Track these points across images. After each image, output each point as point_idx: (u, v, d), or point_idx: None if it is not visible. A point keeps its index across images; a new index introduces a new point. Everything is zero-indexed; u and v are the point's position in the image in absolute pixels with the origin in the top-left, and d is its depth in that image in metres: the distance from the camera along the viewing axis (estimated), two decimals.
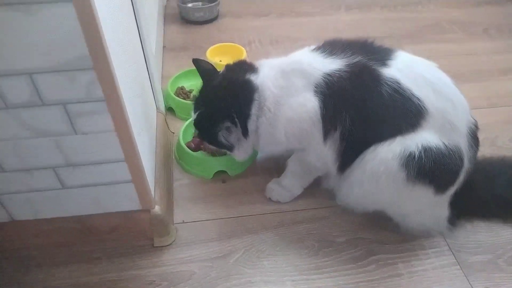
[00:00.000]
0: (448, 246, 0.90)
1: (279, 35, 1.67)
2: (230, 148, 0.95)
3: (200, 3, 1.77)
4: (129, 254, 0.88)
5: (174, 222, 0.95)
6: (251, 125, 0.89)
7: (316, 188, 1.01)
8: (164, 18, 1.77)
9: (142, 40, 1.00)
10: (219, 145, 0.95)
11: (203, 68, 0.95)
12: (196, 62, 0.95)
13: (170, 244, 0.90)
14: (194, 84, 1.32)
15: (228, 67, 0.94)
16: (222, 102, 0.89)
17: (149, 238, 0.90)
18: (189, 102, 1.23)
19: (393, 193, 0.82)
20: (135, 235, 0.89)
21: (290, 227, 0.94)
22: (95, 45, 0.59)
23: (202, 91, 0.96)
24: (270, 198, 1.00)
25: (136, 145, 0.75)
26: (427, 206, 0.86)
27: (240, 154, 0.96)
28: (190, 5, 1.75)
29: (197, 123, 0.96)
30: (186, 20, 1.73)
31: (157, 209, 0.87)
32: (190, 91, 1.30)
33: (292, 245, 0.91)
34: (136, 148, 0.75)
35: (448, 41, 1.65)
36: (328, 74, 0.82)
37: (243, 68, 0.92)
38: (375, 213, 0.94)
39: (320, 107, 0.82)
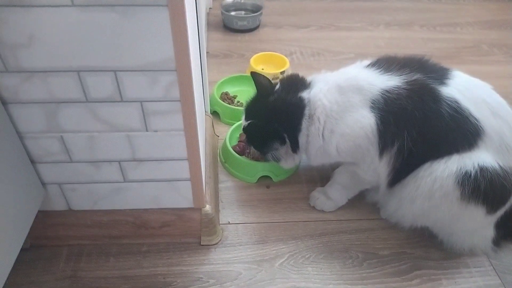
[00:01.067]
0: (493, 266, 0.90)
1: (319, 48, 1.70)
2: (277, 161, 0.98)
3: (243, 12, 1.82)
4: (178, 251, 0.91)
5: (220, 223, 0.98)
6: (301, 139, 0.92)
7: (360, 201, 1.02)
8: (207, 25, 1.82)
9: (200, 44, 1.03)
10: (266, 159, 1.00)
11: (259, 82, 0.98)
12: (253, 75, 0.99)
13: (217, 243, 0.93)
14: (238, 90, 1.35)
15: (282, 83, 0.96)
16: (274, 122, 0.92)
17: (197, 236, 0.93)
18: (234, 108, 1.26)
19: (445, 211, 0.83)
20: (184, 233, 0.92)
21: (334, 236, 0.96)
22: (181, 48, 0.62)
23: (255, 101, 0.99)
24: (314, 207, 1.02)
25: (199, 145, 0.78)
26: (476, 226, 0.87)
27: (288, 163, 0.99)
28: (233, 13, 1.80)
29: (247, 131, 0.99)
30: (229, 28, 1.78)
31: (208, 208, 0.90)
32: (234, 97, 1.33)
33: (336, 254, 0.92)
34: (199, 148, 0.78)
35: (488, 63, 1.66)
36: (386, 91, 0.84)
37: (295, 85, 0.94)
38: (420, 229, 0.95)
39: (377, 123, 0.84)
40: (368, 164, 0.89)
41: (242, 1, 1.83)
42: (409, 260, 0.91)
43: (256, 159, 1.11)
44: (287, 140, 0.92)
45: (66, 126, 0.72)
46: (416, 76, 0.84)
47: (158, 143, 0.76)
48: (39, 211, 0.85)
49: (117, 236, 0.92)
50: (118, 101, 0.69)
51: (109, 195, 0.85)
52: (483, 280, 0.88)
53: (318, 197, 1.02)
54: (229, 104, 1.28)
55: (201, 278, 0.86)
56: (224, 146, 1.14)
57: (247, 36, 1.76)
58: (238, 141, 1.16)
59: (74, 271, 0.87)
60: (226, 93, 1.34)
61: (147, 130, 0.73)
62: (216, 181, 1.06)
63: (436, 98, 0.82)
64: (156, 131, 0.74)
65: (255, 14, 1.75)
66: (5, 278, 0.67)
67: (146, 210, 0.89)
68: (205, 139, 1.07)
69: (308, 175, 1.12)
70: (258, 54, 1.50)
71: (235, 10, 1.82)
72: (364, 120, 0.84)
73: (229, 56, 1.61)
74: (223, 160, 1.14)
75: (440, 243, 0.93)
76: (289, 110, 0.90)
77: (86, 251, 0.90)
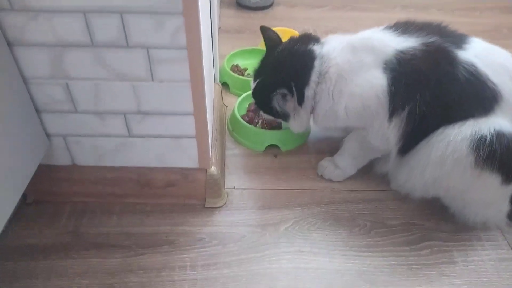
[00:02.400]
0: (507, 241, 0.87)
1: (334, 27, 1.66)
2: (285, 117, 0.95)
3: None
4: (181, 211, 0.90)
5: (226, 187, 0.96)
6: (308, 92, 0.89)
7: (369, 172, 0.99)
8: (220, 2, 1.80)
9: (211, 5, 1.01)
10: (274, 113, 0.95)
11: (268, 36, 0.96)
12: (263, 29, 0.97)
13: (221, 206, 0.91)
14: (249, 63, 1.33)
15: (292, 37, 0.94)
16: (281, 70, 0.90)
17: (201, 198, 0.91)
18: (244, 78, 1.24)
19: (458, 178, 0.79)
20: (188, 194, 0.91)
21: (341, 205, 0.93)
22: None
23: (264, 60, 0.97)
24: (321, 176, 1.00)
25: (205, 100, 0.76)
26: (490, 196, 0.83)
27: (296, 125, 0.96)
28: None
29: (255, 92, 0.97)
30: (241, 5, 1.76)
31: (213, 169, 0.88)
32: (245, 69, 1.31)
33: (343, 222, 0.90)
34: (205, 102, 0.76)
35: (509, 46, 1.59)
36: (400, 51, 0.81)
37: (306, 39, 0.93)
38: (431, 201, 0.92)
39: (388, 85, 0.81)
40: (377, 129, 0.86)
41: None
42: (418, 231, 0.88)
43: (265, 128, 1.09)
44: (294, 89, 0.88)
45: (71, 72, 0.71)
46: (433, 38, 0.81)
47: (164, 95, 0.74)
48: (43, 165, 0.85)
49: (121, 195, 0.91)
50: (123, 46, 0.67)
51: (114, 150, 0.84)
52: (497, 253, 0.84)
53: (327, 166, 0.99)
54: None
55: (204, 238, 0.85)
56: (233, 115, 1.12)
57: (260, 14, 1.73)
58: (247, 111, 1.14)
59: (76, 227, 0.86)
60: (237, 65, 1.32)
61: (152, 80, 0.72)
62: (223, 147, 1.04)
63: (452, 61, 0.78)
64: (161, 81, 0.72)
65: None
66: (3, 225, 0.66)
67: (150, 168, 0.87)
68: (213, 106, 1.05)
69: (316, 146, 1.10)
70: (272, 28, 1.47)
71: None
72: (375, 81, 0.82)
73: (241, 32, 1.59)
74: (231, 129, 1.12)
75: (452, 216, 0.90)
76: (297, 59, 0.88)
77: (89, 208, 0.90)
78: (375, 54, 0.83)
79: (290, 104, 0.92)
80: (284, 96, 0.90)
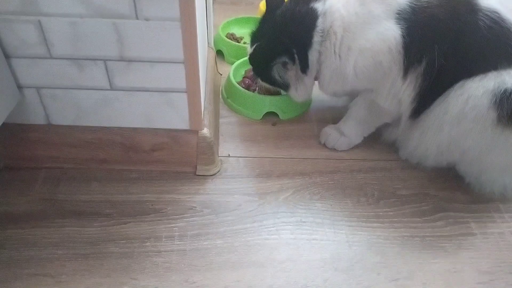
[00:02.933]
0: None
1: None
2: (286, 87, 0.87)
3: None
4: (170, 179, 0.81)
5: (219, 155, 0.87)
6: (312, 55, 0.80)
7: (376, 141, 0.91)
8: None
9: None
10: (273, 82, 0.87)
11: None
12: None
13: (214, 174, 0.82)
14: (245, 32, 1.24)
15: None
16: (281, 35, 0.81)
17: (192, 165, 0.82)
18: (240, 45, 1.16)
19: (477, 138, 0.72)
20: (178, 160, 0.82)
21: (346, 174, 0.85)
22: None
23: (262, 21, 0.88)
24: (324, 144, 0.91)
25: (198, 45, 0.67)
26: (509, 159, 0.75)
27: (299, 93, 0.88)
28: None
29: (252, 57, 0.88)
30: None
31: (205, 131, 0.79)
32: (241, 38, 1.23)
33: (348, 191, 0.81)
34: (197, 49, 0.67)
35: None
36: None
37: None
38: (444, 170, 0.84)
39: (403, 36, 0.73)
40: (388, 89, 0.78)
41: None
42: (431, 201, 0.80)
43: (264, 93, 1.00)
44: (296, 56, 0.80)
45: (44, 7, 0.61)
46: None
47: (150, 37, 0.65)
48: (14, 124, 0.76)
49: (103, 160, 0.82)
50: None
51: (94, 107, 0.74)
52: None
53: (330, 133, 0.91)
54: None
55: (195, 207, 0.76)
56: (228, 80, 1.03)
57: None
58: (244, 77, 1.05)
59: (52, 194, 0.77)
60: (232, 34, 1.23)
61: (137, 18, 0.63)
62: (216, 113, 0.95)
63: (473, 8, 0.71)
64: (147, 19, 0.63)
65: None
66: None
67: (136, 129, 0.78)
68: (206, 66, 0.96)
69: (319, 115, 1.01)
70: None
71: None
72: (388, 33, 0.73)
73: (237, 4, 1.51)
74: (226, 96, 1.03)
75: (467, 186, 0.82)
76: (298, 21, 0.79)
77: (67, 175, 0.80)
78: (386, 3, 0.75)
79: (292, 73, 0.84)
80: (285, 65, 0.82)
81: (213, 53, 1.07)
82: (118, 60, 0.68)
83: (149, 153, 0.81)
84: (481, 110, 0.69)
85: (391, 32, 0.73)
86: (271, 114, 0.98)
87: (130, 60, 0.68)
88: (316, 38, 0.79)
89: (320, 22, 0.78)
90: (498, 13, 0.70)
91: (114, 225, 0.72)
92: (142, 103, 0.74)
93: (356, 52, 0.77)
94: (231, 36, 1.22)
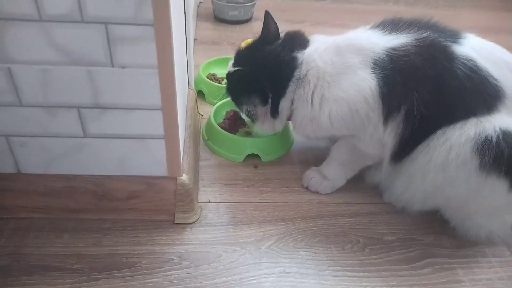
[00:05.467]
0: None
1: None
2: (253, 119, 0.88)
3: (235, 4, 1.74)
4: (146, 228, 0.76)
5: (199, 201, 0.84)
6: (284, 103, 0.82)
7: (360, 183, 0.90)
8: (197, 16, 1.73)
9: (185, 4, 0.93)
10: (241, 109, 0.88)
11: (268, 24, 0.86)
12: (267, 14, 0.86)
13: (193, 222, 0.79)
14: None
15: (286, 36, 0.86)
16: (262, 74, 0.81)
17: (170, 213, 0.78)
18: (221, 86, 1.15)
19: (462, 184, 0.71)
20: (155, 207, 0.78)
21: (330, 219, 0.83)
22: None
23: (251, 48, 0.88)
24: (307, 188, 0.89)
25: (176, 92, 0.66)
26: (495, 204, 0.75)
27: (265, 128, 0.88)
28: (225, 2, 1.72)
29: (230, 77, 0.89)
30: (220, 19, 1.69)
31: (184, 178, 0.76)
32: (222, 78, 1.22)
33: (333, 238, 0.78)
34: (175, 95, 0.66)
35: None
36: (391, 48, 0.74)
37: (295, 42, 0.84)
38: (429, 214, 0.83)
39: (380, 86, 0.73)
40: (370, 134, 0.78)
41: None
42: (418, 247, 0.78)
43: (246, 134, 0.99)
44: (269, 100, 0.81)
45: (15, 54, 0.59)
46: (426, 34, 0.75)
47: (126, 84, 0.63)
48: None
49: (74, 209, 0.77)
50: (78, 21, 0.56)
51: (67, 154, 0.71)
52: (505, 271, 0.75)
53: (313, 176, 0.89)
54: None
55: (172, 259, 0.72)
56: (208, 122, 1.01)
57: (238, 28, 1.67)
58: (224, 119, 1.04)
59: (19, 247, 0.71)
60: (213, 74, 1.23)
61: (112, 65, 0.61)
62: (196, 156, 0.93)
63: (449, 56, 0.72)
64: (123, 67, 0.61)
65: (248, 4, 1.67)
66: None
67: (110, 177, 0.74)
68: (186, 108, 0.94)
69: (301, 156, 1.00)
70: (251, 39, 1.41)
71: (227, 3, 1.74)
72: (363, 83, 0.74)
73: (218, 44, 1.52)
74: (206, 138, 1.01)
75: (452, 230, 0.81)
76: (279, 68, 0.80)
77: (35, 226, 0.75)
78: (362, 54, 0.75)
79: (262, 111, 0.85)
80: (257, 103, 0.83)
81: (193, 94, 1.05)
82: (93, 107, 0.65)
83: (123, 201, 0.77)
84: (464, 158, 0.69)
85: (366, 82, 0.74)
86: (252, 156, 0.96)
87: (105, 107, 0.66)
88: (291, 87, 0.80)
89: (297, 72, 0.79)
90: (474, 61, 0.71)
91: (84, 282, 0.67)
92: (117, 150, 0.71)
93: (331, 101, 0.77)
94: (212, 77, 1.22)
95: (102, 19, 0.57)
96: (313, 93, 0.79)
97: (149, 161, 0.73)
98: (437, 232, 0.81)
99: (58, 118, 0.66)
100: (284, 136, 1.00)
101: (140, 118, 0.67)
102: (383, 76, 0.73)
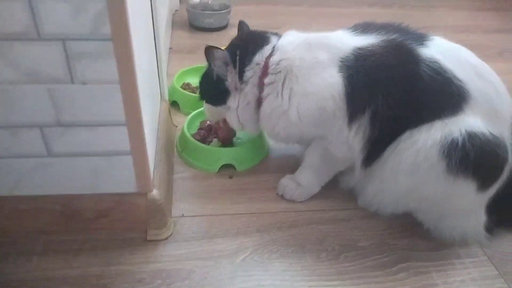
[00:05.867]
0: (487, 256, 0.78)
1: None
2: (225, 96, 0.85)
3: (210, 11, 1.73)
4: (117, 247, 0.75)
5: (172, 216, 0.82)
6: (248, 72, 0.82)
7: (334, 189, 0.90)
8: (172, 25, 1.72)
9: (153, 14, 0.92)
10: (214, 94, 0.87)
11: (241, 29, 0.92)
12: (240, 23, 0.91)
13: (166, 238, 0.77)
14: None
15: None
16: (235, 40, 0.88)
17: (142, 230, 0.77)
18: (195, 95, 1.14)
19: (432, 187, 0.72)
20: (126, 225, 0.76)
21: (305, 228, 0.82)
22: None
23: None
24: (282, 196, 0.89)
25: (141, 106, 0.64)
26: (465, 205, 0.76)
27: (234, 116, 0.86)
28: (200, 10, 1.71)
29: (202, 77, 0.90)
30: (195, 27, 1.69)
31: (155, 193, 0.75)
32: (197, 88, 1.21)
33: (308, 247, 0.78)
34: (140, 110, 0.64)
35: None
36: (358, 48, 0.75)
37: (266, 31, 0.88)
38: (403, 217, 0.83)
39: (345, 85, 0.74)
40: (336, 135, 0.78)
41: (209, 2, 1.75)
42: (392, 251, 0.78)
43: (224, 141, 0.98)
44: (237, 59, 0.81)
45: None
46: (393, 36, 0.76)
47: (88, 101, 0.62)
48: None
49: (42, 231, 0.75)
50: (34, 39, 0.55)
51: (31, 175, 0.69)
52: (478, 271, 0.75)
53: (287, 184, 0.88)
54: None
55: (144, 278, 0.70)
56: (182, 133, 1.00)
57: (214, 35, 1.67)
58: (198, 129, 1.03)
59: None
60: (188, 84, 1.22)
61: (73, 82, 0.60)
62: (169, 170, 0.91)
63: (414, 59, 0.73)
64: (84, 83, 0.60)
65: (223, 11, 1.67)
66: None
67: (77, 196, 0.73)
68: (158, 121, 0.93)
69: (276, 164, 0.99)
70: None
71: (202, 10, 1.73)
72: (331, 80, 0.75)
73: (194, 52, 1.51)
74: (180, 150, 1.00)
75: (426, 232, 0.81)
76: (249, 37, 0.87)
77: (2, 251, 0.73)
78: (331, 52, 0.77)
79: (231, 79, 0.83)
80: (226, 64, 0.82)
81: (166, 106, 1.04)
82: (55, 126, 0.64)
83: (93, 220, 0.75)
84: (432, 161, 0.69)
85: (334, 80, 0.75)
86: (228, 166, 0.95)
87: (68, 125, 0.64)
88: (257, 58, 0.81)
89: (267, 48, 0.81)
90: (438, 63, 0.72)
91: None
92: (84, 167, 0.69)
93: (299, 95, 0.78)
94: (187, 86, 1.20)
95: (60, 35, 0.55)
96: (283, 85, 0.79)
97: (117, 177, 0.71)
98: (411, 235, 0.82)
99: (21, 138, 0.64)
100: (258, 144, 1.00)
101: (105, 135, 0.66)
102: (349, 75, 0.74)
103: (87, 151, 0.67)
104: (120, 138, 0.66)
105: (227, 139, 0.98)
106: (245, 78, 0.82)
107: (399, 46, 0.74)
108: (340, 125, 0.76)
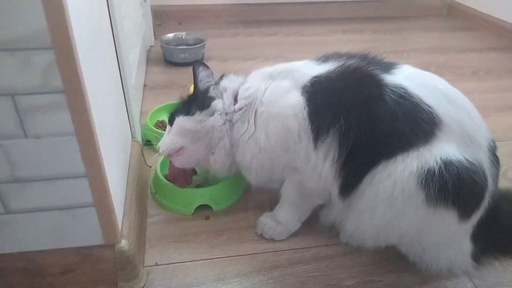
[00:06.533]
0: (476, 287, 0.75)
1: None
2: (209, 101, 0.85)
3: (185, 46, 1.73)
4: None
5: (145, 265, 0.78)
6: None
7: (315, 225, 0.86)
8: (147, 61, 1.71)
9: (118, 55, 0.90)
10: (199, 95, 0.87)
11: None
12: (195, 64, 0.89)
13: None
14: None
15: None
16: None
17: (112, 283, 0.72)
18: None
19: (411, 219, 0.69)
20: (94, 279, 0.72)
21: (287, 269, 0.78)
22: (56, 18, 0.48)
23: None
24: (262, 235, 0.85)
25: (101, 156, 0.61)
26: (448, 236, 0.73)
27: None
28: (173, 45, 1.71)
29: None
30: (170, 62, 1.68)
31: (124, 244, 0.70)
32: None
33: None
34: (101, 159, 0.61)
35: None
36: (315, 76, 0.76)
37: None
38: (386, 251, 0.80)
39: (307, 105, 0.74)
40: (306, 162, 0.76)
41: (183, 37, 1.76)
42: None
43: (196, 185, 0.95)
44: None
45: None
46: (353, 61, 0.76)
47: (44, 155, 0.58)
48: None
49: None
50: None
51: None
52: None
53: (266, 222, 0.85)
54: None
55: None
56: (155, 175, 0.97)
57: (189, 70, 1.64)
58: (168, 170, 0.99)
59: None
60: (162, 121, 1.19)
61: (26, 136, 0.57)
62: (142, 215, 0.87)
63: (377, 84, 0.72)
64: (38, 137, 0.57)
65: (197, 45, 1.67)
66: None
67: (41, 251, 0.68)
68: (128, 165, 0.90)
69: (255, 201, 0.96)
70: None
71: (176, 45, 1.73)
72: (293, 100, 0.75)
73: (169, 87, 1.49)
74: (154, 192, 0.96)
75: (412, 265, 0.78)
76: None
77: None
78: (293, 81, 0.78)
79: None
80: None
81: (137, 147, 1.01)
82: (11, 182, 0.60)
83: (58, 276, 0.70)
84: (409, 192, 0.67)
85: (296, 99, 0.75)
86: (204, 206, 0.92)
87: (24, 181, 0.60)
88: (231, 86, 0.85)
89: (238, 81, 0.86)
90: (404, 89, 0.71)
91: None
92: (46, 222, 0.65)
93: (265, 117, 0.78)
94: (161, 124, 1.18)
95: (8, 90, 0.53)
96: (250, 111, 0.80)
97: (82, 230, 0.67)
98: (397, 270, 0.79)
99: None
100: (235, 181, 0.96)
101: (65, 188, 0.62)
102: (309, 97, 0.74)
103: (48, 206, 0.64)
104: (82, 190, 0.63)
105: (181, 180, 0.93)
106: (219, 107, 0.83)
107: (356, 70, 0.74)
108: (306, 147, 0.74)
